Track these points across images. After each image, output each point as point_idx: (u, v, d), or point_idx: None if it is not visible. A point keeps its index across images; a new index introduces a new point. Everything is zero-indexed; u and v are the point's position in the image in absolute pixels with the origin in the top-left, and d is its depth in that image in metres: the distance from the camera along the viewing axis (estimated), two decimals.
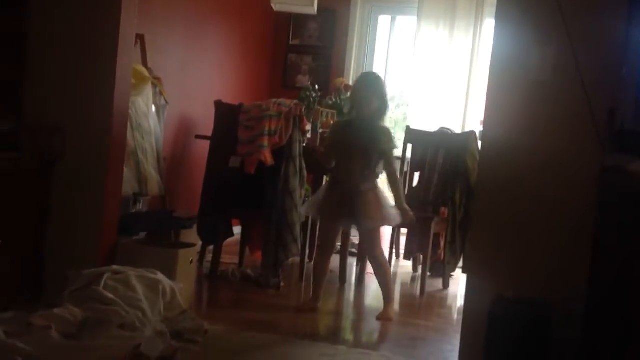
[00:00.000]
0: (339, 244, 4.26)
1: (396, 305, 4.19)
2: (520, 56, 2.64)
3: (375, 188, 3.47)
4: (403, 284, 4.63)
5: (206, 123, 4.48)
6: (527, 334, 2.36)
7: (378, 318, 3.49)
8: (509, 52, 2.66)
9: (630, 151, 2.27)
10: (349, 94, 4.35)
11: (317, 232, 4.04)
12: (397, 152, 4.78)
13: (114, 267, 2.99)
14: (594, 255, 2.32)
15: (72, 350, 2.49)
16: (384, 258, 3.62)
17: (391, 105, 3.97)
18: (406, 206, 3.53)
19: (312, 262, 4.03)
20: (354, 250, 4.81)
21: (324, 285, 3.64)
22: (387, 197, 3.55)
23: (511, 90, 2.67)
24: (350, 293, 4.18)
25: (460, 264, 4.46)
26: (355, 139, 3.43)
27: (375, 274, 3.62)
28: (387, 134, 3.50)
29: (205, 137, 4.39)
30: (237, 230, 4.49)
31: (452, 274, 4.56)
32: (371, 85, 3.45)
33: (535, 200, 2.64)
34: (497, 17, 2.71)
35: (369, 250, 3.59)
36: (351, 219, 3.47)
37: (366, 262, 4.46)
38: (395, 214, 3.49)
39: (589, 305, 2.29)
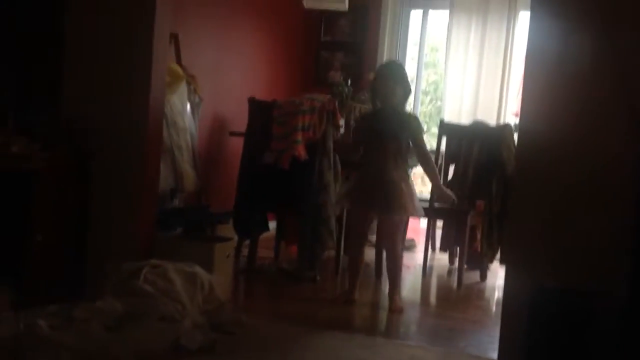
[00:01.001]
0: (373, 236, 4.26)
1: (433, 298, 4.20)
2: (556, 47, 2.59)
3: (407, 178, 3.51)
4: (440, 277, 4.61)
5: (240, 120, 4.51)
6: (568, 324, 2.33)
7: (390, 310, 3.47)
8: (545, 43, 2.62)
9: None
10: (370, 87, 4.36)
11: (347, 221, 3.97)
12: (432, 146, 4.78)
13: (153, 260, 3.02)
14: (636, 243, 2.28)
15: (113, 342, 2.52)
16: (400, 249, 3.59)
17: (425, 98, 4.00)
18: (443, 186, 3.64)
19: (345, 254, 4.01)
20: None
21: (360, 275, 3.64)
22: (415, 188, 3.60)
23: (548, 82, 2.62)
24: (386, 286, 4.10)
25: (498, 256, 4.42)
26: (385, 128, 3.44)
27: (388, 262, 3.60)
28: (414, 119, 3.57)
29: (239, 134, 4.43)
30: (272, 225, 4.52)
31: (490, 266, 4.52)
32: (394, 75, 3.45)
33: (574, 189, 2.60)
34: (532, 8, 2.68)
35: (389, 239, 3.54)
36: (383, 208, 3.44)
37: (402, 255, 4.45)
38: (421, 206, 3.53)
39: (632, 294, 2.25)
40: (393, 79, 3.43)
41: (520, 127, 2.75)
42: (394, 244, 3.53)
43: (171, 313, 2.74)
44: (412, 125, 3.49)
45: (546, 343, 2.36)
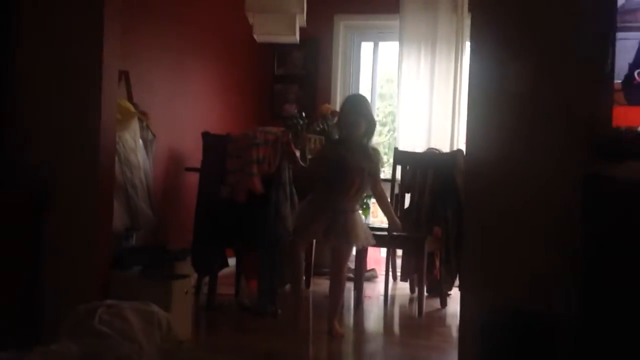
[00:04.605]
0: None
1: (396, 327, 4.20)
2: (497, 70, 2.67)
3: (359, 208, 3.61)
4: (402, 306, 4.62)
5: (196, 155, 4.49)
6: (520, 346, 2.34)
7: (330, 334, 3.52)
8: (486, 69, 2.69)
9: (612, 156, 2.29)
10: (335, 119, 4.41)
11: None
12: (387, 175, 4.83)
13: (109, 301, 2.96)
14: (583, 262, 2.32)
15: None
16: (346, 276, 3.69)
17: (383, 129, 4.09)
18: (397, 219, 3.75)
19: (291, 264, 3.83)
20: (350, 275, 4.79)
21: (300, 296, 3.71)
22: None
23: (490, 107, 2.69)
24: (350, 317, 4.15)
25: (457, 282, 4.46)
26: (348, 160, 3.46)
27: (332, 288, 3.63)
28: (378, 154, 3.59)
29: (195, 169, 4.41)
30: (232, 260, 4.49)
31: (450, 292, 4.55)
32: (358, 108, 3.50)
33: (522, 211, 2.64)
34: (473, 37, 2.76)
35: (337, 267, 3.60)
36: (340, 238, 3.47)
37: (363, 286, 4.46)
38: (371, 235, 3.63)
39: (582, 314, 2.28)
40: (357, 112, 3.47)
41: (466, 153, 2.80)
42: (341, 271, 3.60)
43: (128, 354, 2.67)
44: (374, 159, 3.53)
45: None
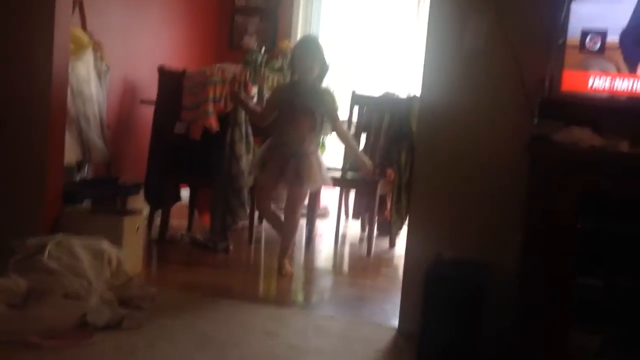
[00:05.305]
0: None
1: (345, 266, 4.30)
2: (455, 25, 2.67)
3: (316, 150, 3.63)
4: (352, 245, 4.72)
5: (151, 87, 4.42)
6: (461, 295, 2.44)
7: (280, 274, 3.59)
8: (445, 20, 2.70)
9: (559, 118, 2.35)
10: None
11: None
12: (344, 117, 4.84)
13: (58, 236, 2.97)
14: (525, 219, 2.40)
15: (17, 320, 2.49)
16: (299, 217, 3.76)
17: (340, 70, 4.10)
18: (365, 158, 3.79)
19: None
20: (303, 211, 4.85)
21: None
22: (323, 160, 3.74)
23: (447, 58, 2.71)
24: (300, 255, 4.24)
25: (407, 224, 4.56)
26: (301, 102, 3.48)
27: (285, 227, 3.69)
28: (331, 96, 3.60)
29: (150, 102, 4.34)
30: (186, 193, 4.49)
31: (399, 233, 4.66)
32: (311, 52, 3.49)
33: (472, 162, 2.71)
34: None
35: (291, 208, 3.65)
36: (293, 180, 3.52)
37: (315, 224, 4.53)
38: (329, 177, 3.70)
39: (522, 267, 2.38)
40: (311, 57, 3.46)
41: (421, 100, 2.83)
42: (295, 212, 3.66)
43: (76, 290, 2.71)
44: (327, 102, 3.55)
45: (441, 313, 2.46)
